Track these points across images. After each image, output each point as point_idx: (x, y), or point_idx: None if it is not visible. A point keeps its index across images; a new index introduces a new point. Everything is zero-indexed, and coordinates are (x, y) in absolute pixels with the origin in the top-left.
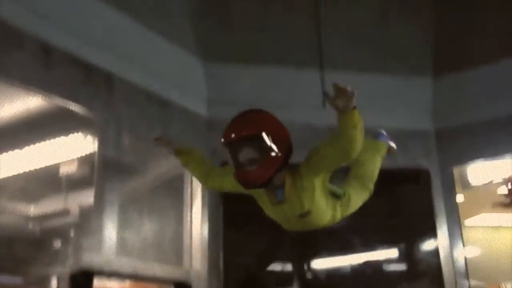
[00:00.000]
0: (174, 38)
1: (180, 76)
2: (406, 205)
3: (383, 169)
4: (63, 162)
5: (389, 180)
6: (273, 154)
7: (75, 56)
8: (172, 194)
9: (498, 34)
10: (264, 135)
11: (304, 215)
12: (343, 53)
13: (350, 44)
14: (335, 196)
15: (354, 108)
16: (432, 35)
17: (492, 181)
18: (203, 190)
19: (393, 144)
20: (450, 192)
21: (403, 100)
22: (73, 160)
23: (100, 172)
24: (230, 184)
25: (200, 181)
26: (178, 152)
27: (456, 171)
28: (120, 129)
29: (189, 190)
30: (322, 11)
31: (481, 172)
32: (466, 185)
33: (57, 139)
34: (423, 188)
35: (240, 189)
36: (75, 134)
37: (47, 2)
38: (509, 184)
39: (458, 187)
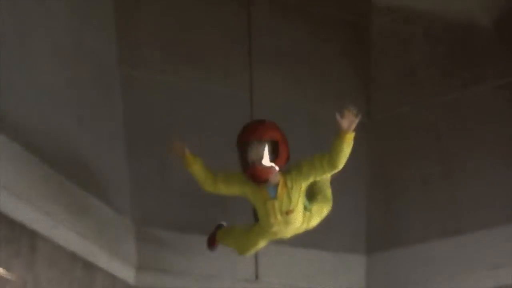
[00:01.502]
0: (107, 199)
1: (110, 240)
2: None
3: None
4: None
5: None
6: (280, 157)
7: None
8: None
9: (424, 216)
10: (280, 141)
11: (290, 212)
12: None
13: None
14: (304, 207)
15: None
16: (364, 215)
17: None
18: None
19: None
20: None
21: (337, 277)
22: None
23: None
24: (236, 186)
25: (201, 182)
26: (184, 155)
27: None
28: None
29: None
30: None
31: None
32: None
33: None
34: None
35: (242, 189)
36: None
37: None
38: None
39: None
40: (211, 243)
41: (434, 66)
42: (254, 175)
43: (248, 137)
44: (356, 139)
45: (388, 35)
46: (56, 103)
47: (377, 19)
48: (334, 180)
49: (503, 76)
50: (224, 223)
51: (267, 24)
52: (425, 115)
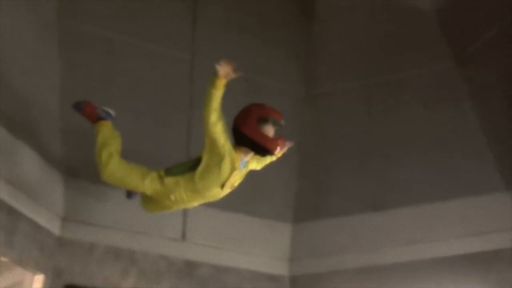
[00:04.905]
0: (37, 148)
1: (37, 188)
2: None
3: None
4: None
5: None
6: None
7: None
8: None
9: (352, 191)
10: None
11: (233, 187)
12: None
13: None
14: None
15: None
16: (294, 185)
17: None
18: None
19: None
20: None
21: (263, 242)
22: None
23: None
24: (224, 138)
25: (212, 107)
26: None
27: None
28: None
29: None
30: None
31: None
32: None
33: None
34: None
35: (227, 147)
36: None
37: None
38: None
39: None
40: (93, 118)
41: (375, 45)
42: (278, 144)
43: (276, 115)
44: (293, 112)
45: (332, 10)
46: None
47: None
48: None
49: (440, 62)
50: (112, 112)
51: None
52: (361, 93)
